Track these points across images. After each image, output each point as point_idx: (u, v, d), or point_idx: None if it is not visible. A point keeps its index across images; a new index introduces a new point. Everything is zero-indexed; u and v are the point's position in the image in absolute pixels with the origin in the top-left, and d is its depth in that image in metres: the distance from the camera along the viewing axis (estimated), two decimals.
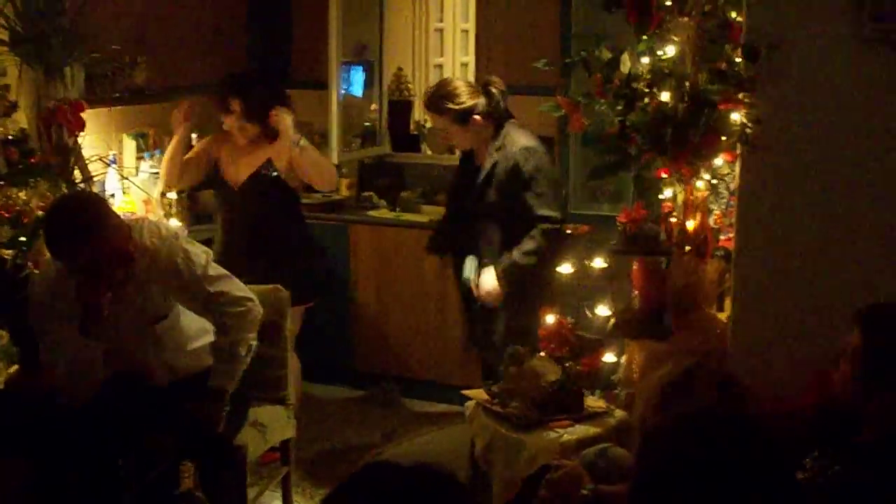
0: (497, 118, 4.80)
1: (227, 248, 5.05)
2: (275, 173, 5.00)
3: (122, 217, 3.97)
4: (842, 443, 2.91)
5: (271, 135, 4.99)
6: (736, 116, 3.82)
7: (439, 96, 4.81)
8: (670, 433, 2.16)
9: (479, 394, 4.34)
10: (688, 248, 4.23)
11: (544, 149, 4.84)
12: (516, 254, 4.70)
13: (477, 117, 4.77)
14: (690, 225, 4.24)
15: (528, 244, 4.70)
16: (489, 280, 4.77)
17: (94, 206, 3.85)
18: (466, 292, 4.99)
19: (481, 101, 4.77)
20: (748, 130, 3.74)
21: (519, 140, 4.76)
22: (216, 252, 4.93)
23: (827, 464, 2.85)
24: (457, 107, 4.76)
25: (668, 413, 2.61)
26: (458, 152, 5.20)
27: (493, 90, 4.78)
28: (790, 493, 2.05)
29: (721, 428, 2.11)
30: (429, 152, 7.02)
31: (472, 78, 6.50)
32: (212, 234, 5.30)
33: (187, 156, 5.11)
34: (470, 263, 4.92)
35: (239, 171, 5.04)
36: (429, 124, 7.24)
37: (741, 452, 2.03)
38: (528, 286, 4.82)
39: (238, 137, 5.02)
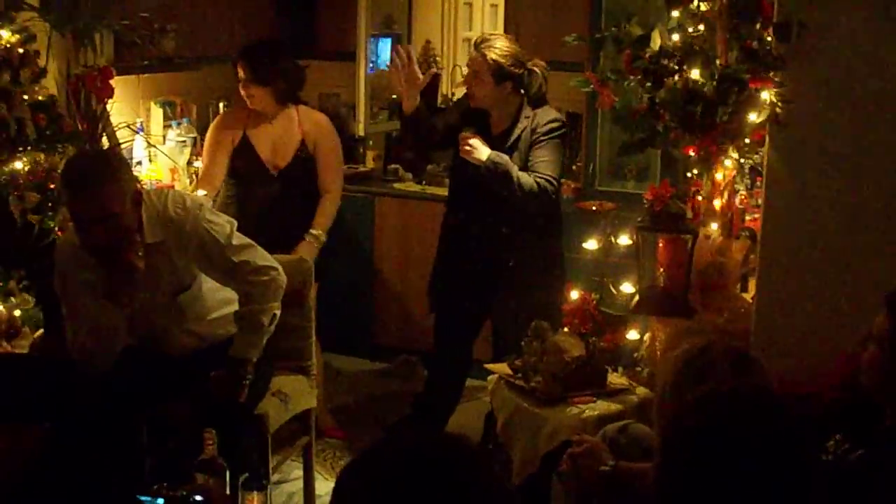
0: (530, 99, 4.79)
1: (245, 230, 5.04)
2: (310, 153, 5.03)
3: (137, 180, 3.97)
4: (866, 426, 2.90)
5: (281, 99, 5.00)
6: (765, 95, 3.80)
7: (490, 43, 4.77)
8: (692, 413, 2.15)
9: (501, 368, 4.34)
10: (714, 226, 4.21)
11: (565, 130, 4.85)
12: (518, 172, 4.68)
13: (509, 83, 4.74)
14: (717, 204, 4.23)
15: (528, 179, 4.68)
16: (482, 149, 4.71)
17: (109, 155, 4.01)
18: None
19: (522, 73, 4.75)
20: (777, 110, 3.72)
21: (550, 114, 4.78)
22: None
23: (850, 447, 2.84)
24: (501, 59, 4.71)
25: (689, 393, 2.60)
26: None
27: (536, 70, 4.78)
28: (815, 474, 2.05)
29: (743, 407, 2.11)
30: None
31: None
32: None
33: (205, 168, 5.15)
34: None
35: (275, 153, 5.05)
36: (456, 96, 7.23)
37: (764, 432, 2.03)
38: (547, 264, 4.83)
39: (249, 104, 5.04)
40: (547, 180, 4.67)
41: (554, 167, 4.73)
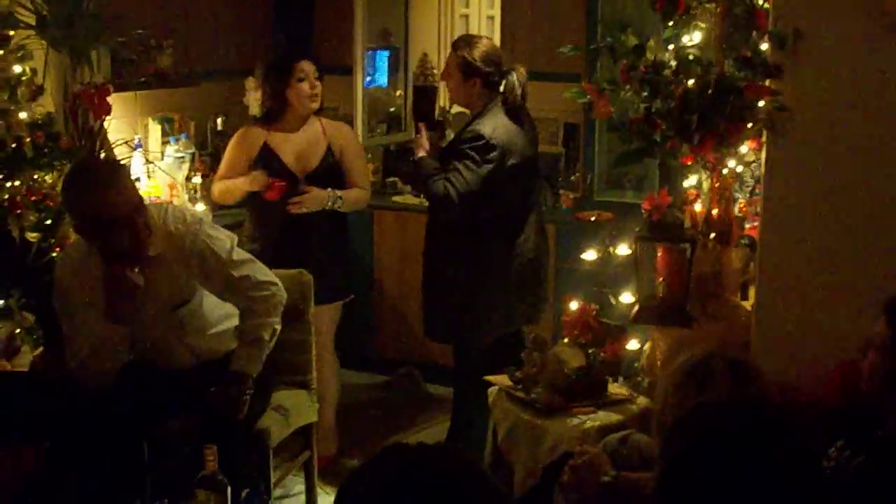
0: (507, 103, 4.77)
1: (270, 239, 5.02)
2: (336, 159, 5.05)
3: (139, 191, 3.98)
4: (866, 434, 2.90)
5: (278, 106, 5.03)
6: (762, 104, 3.80)
7: (465, 41, 4.86)
8: (693, 423, 2.15)
9: (502, 380, 4.34)
10: (712, 235, 4.22)
11: (503, 147, 4.73)
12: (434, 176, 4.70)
13: (477, 80, 4.76)
14: (715, 213, 4.23)
15: (435, 184, 4.69)
16: (419, 147, 4.84)
17: (111, 162, 4.10)
18: None
19: (492, 71, 4.76)
20: (774, 118, 3.73)
21: (485, 127, 4.72)
22: (253, 244, 4.94)
23: (851, 454, 2.84)
24: (470, 57, 4.75)
25: (690, 402, 2.60)
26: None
27: (513, 75, 4.76)
28: (815, 482, 2.04)
29: (744, 416, 2.11)
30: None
31: None
32: (236, 218, 5.27)
33: (227, 182, 5.12)
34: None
35: (300, 160, 5.03)
36: (454, 111, 7.23)
37: (764, 441, 2.03)
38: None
39: (314, 105, 5.04)
40: (450, 183, 4.65)
41: (460, 179, 4.65)
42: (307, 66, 4.98)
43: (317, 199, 4.92)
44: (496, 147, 4.66)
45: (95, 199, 3.62)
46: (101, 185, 3.63)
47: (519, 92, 4.77)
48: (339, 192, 4.98)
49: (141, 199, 3.76)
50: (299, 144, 5.02)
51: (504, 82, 4.76)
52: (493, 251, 4.83)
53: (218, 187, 5.06)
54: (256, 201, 5.02)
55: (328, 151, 5.01)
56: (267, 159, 4.99)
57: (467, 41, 4.84)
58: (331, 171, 5.02)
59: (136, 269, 3.74)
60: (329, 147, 5.02)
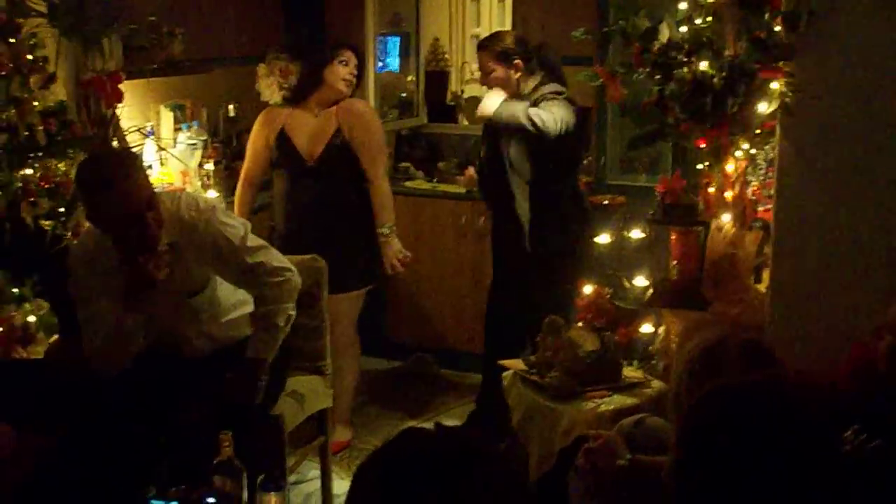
0: (552, 72, 4.99)
1: (294, 226, 5.10)
2: (346, 140, 5.03)
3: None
4: (882, 416, 2.89)
5: (311, 84, 5.08)
6: (775, 85, 3.79)
7: (489, 37, 5.14)
8: (709, 406, 2.15)
9: (516, 364, 4.34)
10: (726, 218, 4.21)
11: (568, 118, 4.87)
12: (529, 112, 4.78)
13: (518, 61, 4.94)
14: (729, 195, 4.22)
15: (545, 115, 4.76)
16: (491, 101, 4.93)
17: (123, 156, 4.08)
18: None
19: (528, 49, 4.99)
20: (787, 100, 3.71)
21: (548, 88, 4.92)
22: (278, 231, 5.00)
23: (867, 437, 2.83)
24: (500, 46, 4.98)
25: (704, 386, 2.59)
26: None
27: (547, 52, 5.04)
28: (831, 466, 2.04)
29: (759, 400, 2.11)
30: (465, 123, 7.00)
31: None
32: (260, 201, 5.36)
33: (245, 167, 5.26)
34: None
35: (312, 143, 5.05)
36: (465, 94, 7.22)
37: (780, 423, 2.02)
38: (555, 260, 4.86)
39: (348, 91, 5.11)
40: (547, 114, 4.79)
41: (554, 112, 4.81)
42: (351, 55, 5.07)
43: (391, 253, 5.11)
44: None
45: (107, 195, 3.62)
46: (112, 180, 3.62)
47: (559, 61, 5.02)
48: (381, 229, 5.08)
49: (153, 191, 3.75)
50: (313, 128, 5.03)
51: (544, 53, 5.02)
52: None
53: (237, 193, 5.27)
54: (278, 192, 5.09)
55: (337, 132, 5.01)
56: (281, 142, 5.08)
57: (492, 37, 5.12)
58: (338, 154, 5.02)
59: (160, 262, 3.74)
60: (338, 129, 5.02)
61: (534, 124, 4.67)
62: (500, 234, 5.20)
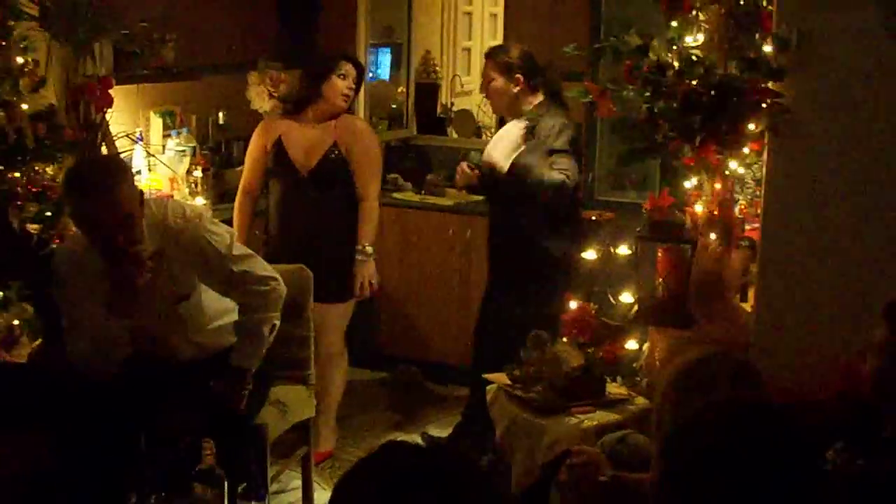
0: (552, 96, 4.99)
1: (286, 234, 5.11)
2: (342, 155, 5.04)
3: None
4: (866, 436, 2.89)
5: (309, 95, 5.09)
6: (764, 105, 3.79)
7: (497, 48, 5.22)
8: (693, 425, 2.15)
9: (500, 378, 4.33)
10: (713, 236, 4.21)
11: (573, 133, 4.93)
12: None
13: (519, 76, 4.93)
14: (716, 213, 4.22)
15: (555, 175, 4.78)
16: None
17: (110, 165, 4.03)
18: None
19: (532, 66, 4.99)
20: (776, 119, 3.72)
21: (557, 118, 4.90)
22: (271, 240, 5.01)
23: (851, 457, 2.84)
24: (505, 58, 4.98)
25: (688, 404, 2.59)
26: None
27: (552, 75, 5.04)
28: (815, 484, 2.04)
29: (743, 418, 2.11)
30: (455, 135, 7.01)
31: None
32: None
33: (244, 176, 5.26)
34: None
35: (307, 155, 5.05)
36: (455, 108, 7.23)
37: (764, 442, 2.02)
38: (548, 273, 4.85)
39: (345, 105, 5.12)
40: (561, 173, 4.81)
41: (566, 166, 4.84)
42: (350, 68, 5.07)
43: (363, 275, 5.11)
44: (572, 133, 4.94)
45: (93, 204, 3.62)
46: (99, 190, 3.61)
47: (561, 85, 5.02)
48: (362, 247, 5.08)
49: (140, 200, 3.74)
50: (310, 140, 5.04)
51: (546, 74, 5.02)
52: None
53: (236, 203, 5.25)
54: (273, 200, 5.12)
55: (333, 147, 5.02)
56: (277, 151, 5.09)
57: (499, 47, 5.18)
58: (332, 167, 5.02)
59: (145, 269, 3.73)
60: (335, 143, 5.03)
61: (552, 188, 4.77)
62: (498, 243, 5.18)
